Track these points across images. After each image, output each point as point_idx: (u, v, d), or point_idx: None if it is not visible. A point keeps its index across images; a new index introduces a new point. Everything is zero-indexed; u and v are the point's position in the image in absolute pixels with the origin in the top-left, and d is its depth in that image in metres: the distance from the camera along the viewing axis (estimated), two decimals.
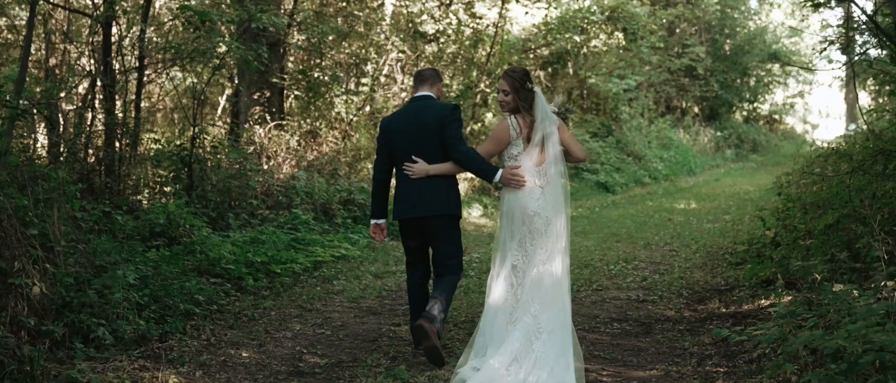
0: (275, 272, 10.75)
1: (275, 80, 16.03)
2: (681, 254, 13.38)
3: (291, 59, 17.40)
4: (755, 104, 42.17)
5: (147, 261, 9.22)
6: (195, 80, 14.75)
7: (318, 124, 16.40)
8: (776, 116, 46.70)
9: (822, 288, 7.94)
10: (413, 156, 7.45)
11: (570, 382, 6.54)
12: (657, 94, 32.87)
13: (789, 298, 8.71)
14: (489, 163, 7.41)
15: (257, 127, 15.27)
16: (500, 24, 20.24)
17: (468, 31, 19.93)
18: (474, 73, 19.79)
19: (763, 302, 9.19)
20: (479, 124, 19.95)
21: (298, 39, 16.86)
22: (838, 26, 16.74)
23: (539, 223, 7.13)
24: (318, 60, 17.26)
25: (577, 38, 23.00)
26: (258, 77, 15.75)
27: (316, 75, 16.88)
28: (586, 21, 23.13)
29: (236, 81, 16.28)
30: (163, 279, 8.86)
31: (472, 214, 17.42)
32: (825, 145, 18.02)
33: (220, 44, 13.33)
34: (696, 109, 35.69)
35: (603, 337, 8.19)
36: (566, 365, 6.66)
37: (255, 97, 15.85)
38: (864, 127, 47.31)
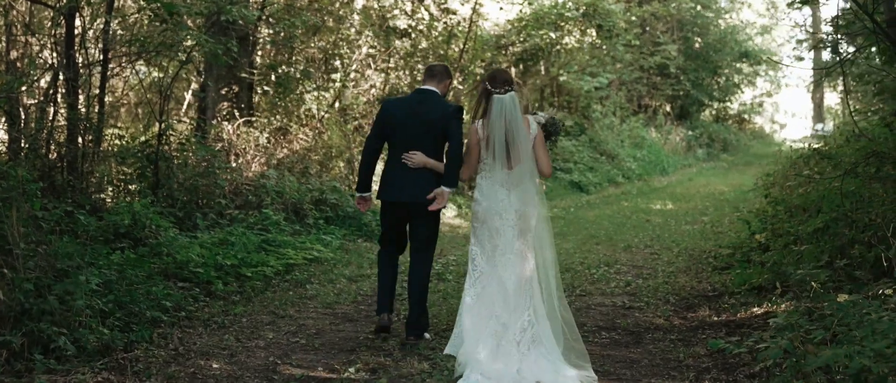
0: (245, 275, 10.29)
1: (244, 74, 15.55)
2: (662, 257, 13.05)
3: (260, 53, 16.92)
4: (725, 103, 42.14)
5: (111, 265, 8.77)
6: (161, 75, 14.23)
7: (288, 121, 15.93)
8: (745, 116, 46.73)
9: (824, 297, 7.62)
10: (410, 148, 7.80)
11: (567, 372, 6.74)
12: (629, 92, 32.62)
13: (786, 307, 8.39)
14: (459, 176, 7.82)
15: (225, 123, 14.78)
16: (473, 19, 19.85)
17: (441, 27, 19.53)
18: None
19: (756, 309, 8.87)
20: None
21: (267, 33, 16.38)
22: (829, 23, 16.47)
23: (500, 223, 7.37)
24: (287, 55, 16.77)
25: (552, 35, 22.64)
26: (226, 72, 15.26)
27: (284, 69, 16.39)
28: (561, 17, 22.78)
29: (203, 76, 15.78)
30: (128, 284, 8.42)
31: (446, 214, 17.02)
32: (806, 146, 17.74)
33: (188, 37, 12.87)
34: (667, 108, 35.48)
35: (592, 348, 7.79)
36: (550, 351, 6.94)
37: (223, 92, 15.35)
38: (832, 126, 47.58)
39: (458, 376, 6.76)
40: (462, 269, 11.64)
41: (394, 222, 8.13)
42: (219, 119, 15.00)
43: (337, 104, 17.59)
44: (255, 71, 16.02)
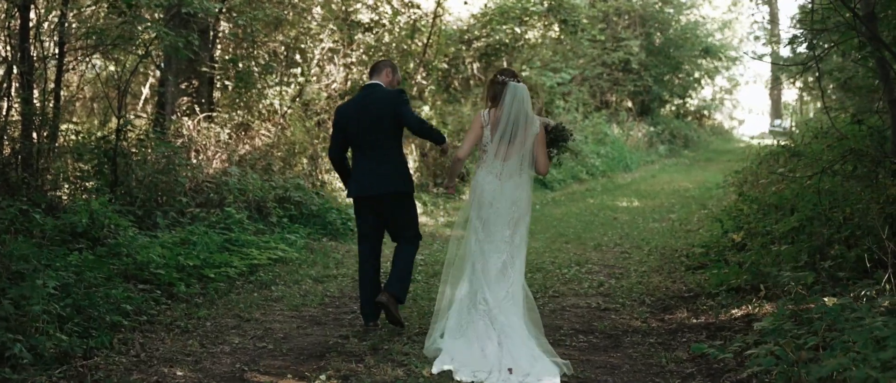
0: (208, 277, 9.95)
1: (204, 69, 15.16)
2: (633, 256, 12.84)
3: (220, 47, 16.53)
4: (685, 100, 42.18)
5: (68, 267, 8.40)
6: (119, 69, 13.83)
7: (249, 116, 15.55)
8: (705, 112, 46.84)
9: (809, 299, 7.42)
10: (369, 143, 8.17)
11: (544, 359, 6.99)
12: (591, 88, 32.46)
13: (769, 309, 8.19)
14: (436, 129, 8.58)
15: (185, 118, 14.39)
16: (437, 14, 19.56)
17: (404, 21, 19.24)
18: (411, 65, 19.10)
19: (736, 311, 8.66)
20: None
21: (227, 27, 16.01)
22: (796, 18, 16.32)
23: (491, 212, 7.60)
24: (249, 49, 16.38)
25: (517, 29, 22.38)
26: (186, 66, 14.88)
27: (245, 63, 16.01)
28: (526, 12, 22.51)
29: (163, 70, 15.37)
30: (86, 286, 8.07)
31: None
32: (775, 143, 17.64)
33: (147, 30, 12.50)
34: (629, 104, 35.36)
35: (570, 352, 7.55)
36: (532, 342, 7.19)
37: (183, 87, 14.93)
38: (790, 122, 47.76)
39: (433, 357, 7.21)
40: (431, 270, 11.41)
41: (368, 217, 8.38)
42: (178, 114, 14.62)
43: (299, 99, 17.24)
44: (215, 65, 15.63)
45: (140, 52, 12.90)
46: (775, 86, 74.56)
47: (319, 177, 16.05)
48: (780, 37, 71.91)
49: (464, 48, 22.83)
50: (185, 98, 14.83)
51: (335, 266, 11.53)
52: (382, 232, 8.55)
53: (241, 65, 15.96)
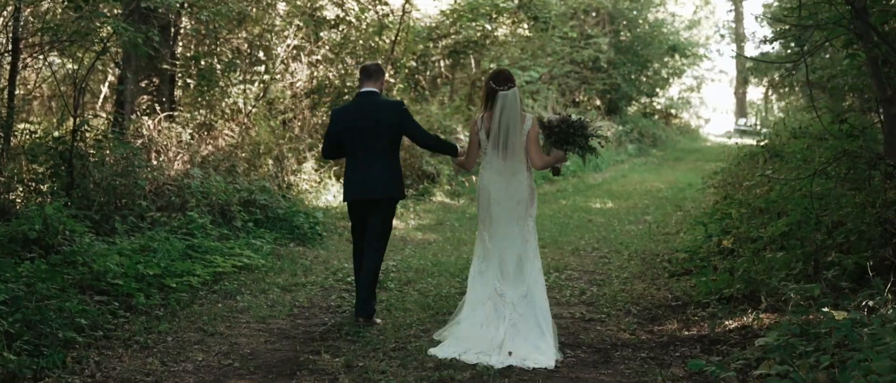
0: (169, 286, 9.37)
1: (165, 66, 14.56)
2: (613, 261, 12.40)
3: (182, 43, 15.93)
4: (652, 98, 41.94)
5: (18, 278, 7.84)
6: (76, 66, 13.21)
7: (212, 116, 14.98)
8: (672, 111, 46.62)
9: (808, 311, 7.00)
10: (366, 149, 8.55)
11: (545, 347, 7.48)
12: (560, 86, 32.04)
13: (767, 320, 7.76)
14: (448, 141, 9.12)
15: (145, 118, 13.78)
16: (406, 10, 19.05)
17: (372, 17, 18.73)
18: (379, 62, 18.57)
19: (730, 323, 8.22)
20: None
21: (189, 23, 15.43)
22: (786, 12, 15.93)
23: (498, 210, 8.01)
24: (212, 46, 15.79)
25: (488, 26, 21.90)
26: (146, 63, 14.26)
27: (207, 61, 15.44)
28: (496, 8, 22.02)
29: (122, 68, 14.75)
30: (38, 299, 7.50)
31: None
32: (755, 143, 17.26)
33: (105, 25, 11.92)
34: (597, 102, 34.98)
35: (557, 368, 7.09)
36: (540, 333, 7.61)
37: (143, 85, 14.28)
38: (755, 121, 47.74)
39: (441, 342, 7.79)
40: (404, 277, 10.95)
41: (361, 218, 8.79)
42: (138, 113, 14.01)
43: (263, 98, 16.67)
44: (176, 62, 15.04)
45: (97, 48, 12.33)
46: (740, 85, 74.78)
47: (285, 178, 15.50)
48: (745, 35, 72.11)
49: (432, 46, 22.31)
50: (146, 96, 14.21)
51: (303, 273, 11.00)
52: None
53: (203, 62, 15.38)
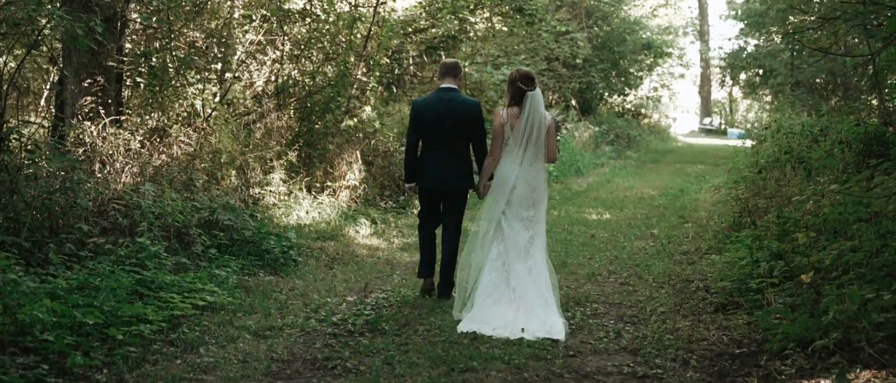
0: (115, 338, 7.44)
1: (111, 63, 12.55)
2: (639, 289, 10.62)
3: (130, 37, 13.90)
4: (624, 97, 40.63)
5: None
6: (4, 62, 11.23)
7: (166, 120, 13.01)
8: (643, 110, 45.37)
9: None
10: (443, 142, 9.68)
11: (553, 321, 8.49)
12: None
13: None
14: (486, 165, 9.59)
15: (88, 123, 11.75)
16: (380, 0, 17.14)
17: (344, 8, 16.83)
18: (351, 58, 16.65)
19: (823, 382, 6.49)
20: (354, 120, 16.78)
21: (138, 14, 13.46)
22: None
23: (515, 195, 9.10)
24: (165, 40, 13.72)
25: (471, 18, 19.99)
26: (89, 59, 12.25)
27: (160, 57, 13.43)
28: (479, 1, 20.15)
29: (60, 65, 12.72)
30: None
31: (360, 232, 14.30)
32: (742, 143, 15.61)
33: (40, 14, 10.01)
34: (573, 102, 33.25)
35: None
36: (548, 309, 8.63)
37: (86, 85, 12.24)
38: (718, 121, 47.48)
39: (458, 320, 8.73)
40: (400, 315, 9.15)
41: (432, 203, 10.01)
42: (79, 118, 11.99)
43: (224, 99, 14.72)
44: (124, 59, 13.00)
45: (29, 41, 10.39)
46: (705, 84, 73.86)
47: (251, 193, 13.52)
48: (708, 32, 71.20)
49: (407, 41, 20.38)
50: (89, 98, 12.19)
51: (278, 313, 9.07)
52: (440, 216, 10.08)
53: (155, 59, 13.37)
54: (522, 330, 8.25)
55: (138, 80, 13.26)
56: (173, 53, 13.59)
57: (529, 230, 9.10)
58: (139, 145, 12.08)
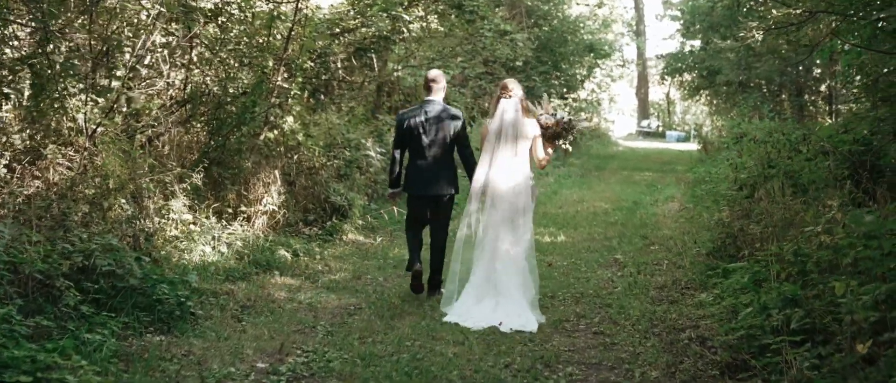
0: None
1: None
2: (618, 341, 8.72)
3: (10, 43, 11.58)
4: (565, 100, 38.99)
5: None
6: None
7: (41, 139, 10.78)
8: (583, 113, 43.77)
9: None
10: (429, 152, 10.45)
11: (528, 316, 9.33)
12: (473, 90, 28.24)
13: None
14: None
15: None
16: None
17: (263, 7, 14.70)
18: (270, 63, 14.50)
19: None
20: (274, 132, 14.65)
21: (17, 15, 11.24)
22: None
23: (497, 198, 9.80)
24: (42, 42, 11.37)
25: (405, 17, 17.87)
26: None
27: (39, 62, 11.14)
28: None
29: None
30: None
31: (278, 270, 12.18)
32: (752, 164, 13.80)
33: None
34: None
35: None
36: (523, 301, 9.50)
37: None
38: (657, 124, 46.81)
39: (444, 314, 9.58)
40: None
41: (420, 210, 10.72)
42: None
43: (123, 110, 12.50)
44: None
45: None
46: (642, 85, 72.71)
47: (147, 224, 11.28)
48: (644, 32, 70.06)
49: (334, 42, 18.22)
50: None
51: None
52: (426, 220, 10.76)
53: (35, 63, 11.11)
54: (500, 323, 9.16)
55: (7, 90, 11.02)
56: (52, 58, 11.30)
57: (510, 232, 9.70)
58: (2, 171, 9.86)
